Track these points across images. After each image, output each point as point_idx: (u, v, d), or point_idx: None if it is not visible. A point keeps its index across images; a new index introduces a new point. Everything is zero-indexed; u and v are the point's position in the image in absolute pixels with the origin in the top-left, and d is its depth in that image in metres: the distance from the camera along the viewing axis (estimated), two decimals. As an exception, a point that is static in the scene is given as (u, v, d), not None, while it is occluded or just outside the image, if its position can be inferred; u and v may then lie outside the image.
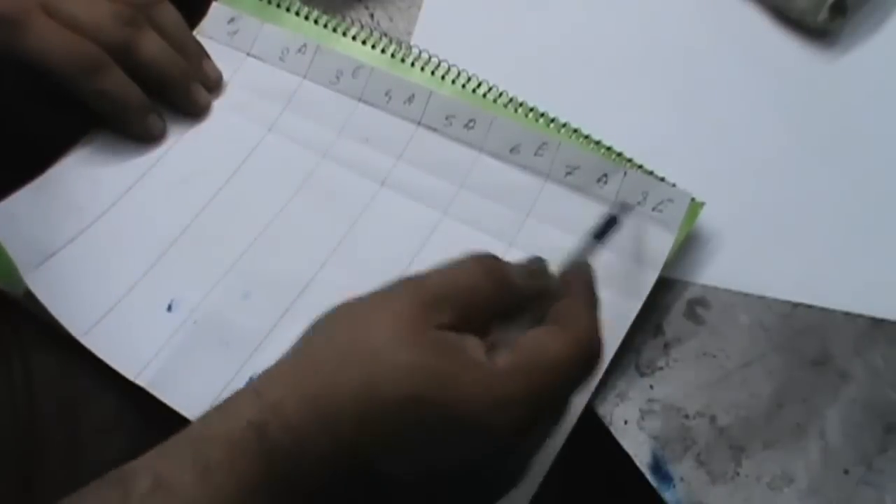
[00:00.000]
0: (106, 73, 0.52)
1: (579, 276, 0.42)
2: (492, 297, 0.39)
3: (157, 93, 0.55)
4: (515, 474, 0.40)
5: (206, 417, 0.37)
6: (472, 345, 0.37)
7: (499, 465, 0.38)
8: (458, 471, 0.38)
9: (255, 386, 0.37)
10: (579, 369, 0.38)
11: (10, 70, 0.52)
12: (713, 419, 0.47)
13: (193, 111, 0.57)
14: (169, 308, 0.50)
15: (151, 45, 0.54)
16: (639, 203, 0.51)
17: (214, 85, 0.57)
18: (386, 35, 0.58)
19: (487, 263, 0.40)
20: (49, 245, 0.52)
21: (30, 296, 0.49)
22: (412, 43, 0.58)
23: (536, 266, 0.41)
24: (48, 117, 0.56)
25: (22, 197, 0.53)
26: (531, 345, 0.38)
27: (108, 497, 0.35)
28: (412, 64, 0.56)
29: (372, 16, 0.61)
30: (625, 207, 0.49)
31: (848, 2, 0.56)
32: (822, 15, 0.56)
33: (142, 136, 0.55)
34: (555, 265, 0.42)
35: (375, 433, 0.36)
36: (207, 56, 0.58)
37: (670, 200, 0.50)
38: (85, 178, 0.54)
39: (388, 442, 0.36)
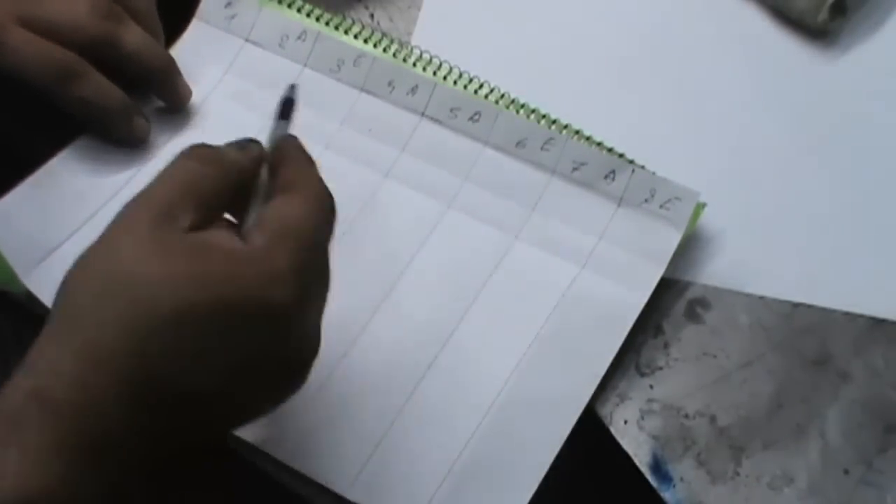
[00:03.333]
0: (83, 79, 0.51)
1: (289, 145, 0.42)
2: (218, 179, 0.39)
3: (140, 85, 0.54)
4: (312, 345, 0.40)
5: None
6: (223, 236, 0.38)
7: (293, 341, 0.39)
8: (256, 360, 0.37)
9: (26, 360, 0.36)
10: (323, 222, 0.40)
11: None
12: (713, 419, 0.47)
13: (177, 103, 0.55)
14: None
15: (133, 37, 0.53)
16: (646, 200, 0.51)
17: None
18: (386, 35, 0.57)
19: (197, 152, 0.40)
20: (49, 241, 0.51)
21: (30, 296, 0.49)
22: (412, 44, 0.58)
23: (243, 141, 0.42)
24: (46, 117, 0.56)
25: (19, 193, 0.52)
26: (276, 215, 0.39)
27: None
28: (413, 64, 0.56)
29: (372, 16, 0.61)
30: (294, 87, 0.49)
31: (848, 2, 0.56)
32: (822, 15, 0.56)
33: (126, 140, 0.54)
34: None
35: (161, 355, 0.35)
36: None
37: (678, 199, 0.50)
38: (84, 172, 0.54)
39: (177, 358, 0.35)
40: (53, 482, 0.34)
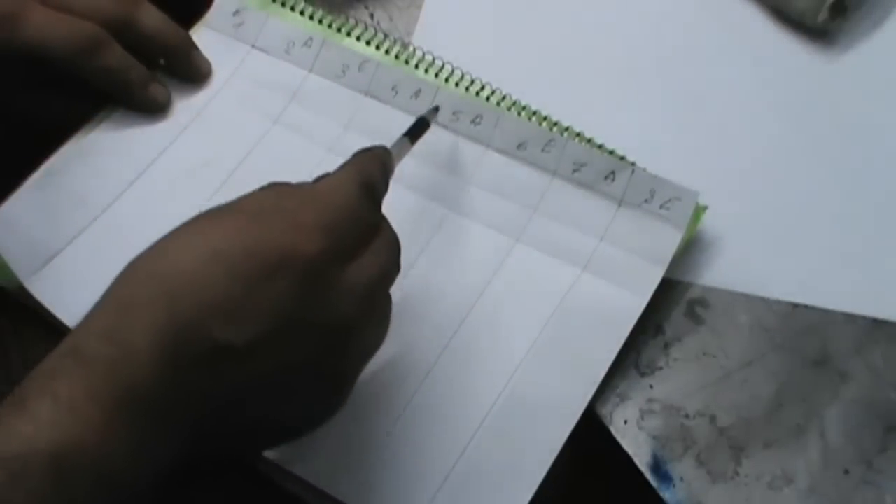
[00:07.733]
0: (106, 50, 0.53)
1: (377, 149, 0.45)
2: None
3: (157, 64, 0.56)
4: (351, 308, 0.39)
5: None
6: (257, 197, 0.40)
7: (324, 299, 0.38)
8: (285, 312, 0.37)
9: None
10: (358, 193, 0.41)
11: (7, 62, 0.51)
12: (713, 419, 0.47)
13: (197, 78, 0.57)
14: None
15: (151, 17, 0.54)
16: (646, 200, 0.51)
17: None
18: (388, 36, 0.57)
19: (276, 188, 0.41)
20: (51, 244, 0.51)
21: (23, 289, 0.49)
22: (413, 44, 0.58)
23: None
24: (46, 106, 0.56)
25: (21, 197, 0.52)
26: (312, 185, 0.42)
27: None
28: (416, 66, 0.56)
29: (372, 16, 0.61)
30: (435, 110, 0.53)
31: (848, 2, 0.56)
32: (822, 15, 0.56)
33: (148, 106, 0.55)
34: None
35: (190, 304, 0.36)
36: None
37: (678, 199, 0.50)
38: (86, 172, 0.54)
39: (205, 306, 0.36)
40: (85, 432, 0.34)
